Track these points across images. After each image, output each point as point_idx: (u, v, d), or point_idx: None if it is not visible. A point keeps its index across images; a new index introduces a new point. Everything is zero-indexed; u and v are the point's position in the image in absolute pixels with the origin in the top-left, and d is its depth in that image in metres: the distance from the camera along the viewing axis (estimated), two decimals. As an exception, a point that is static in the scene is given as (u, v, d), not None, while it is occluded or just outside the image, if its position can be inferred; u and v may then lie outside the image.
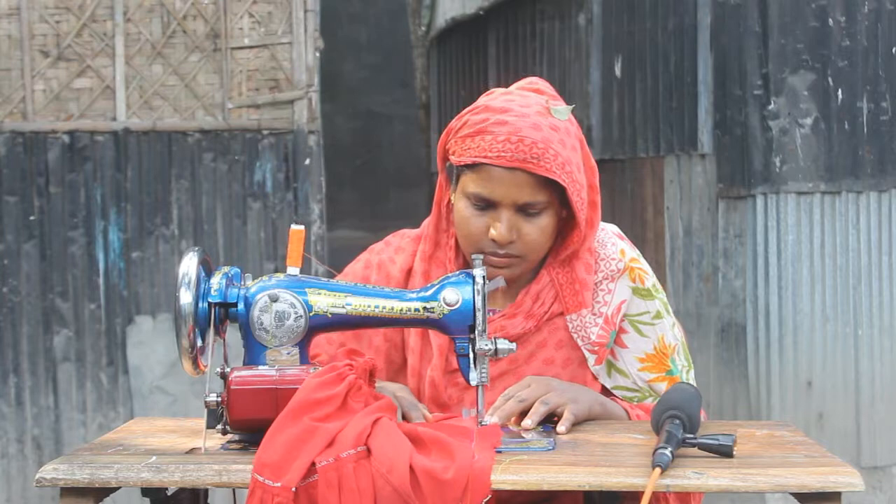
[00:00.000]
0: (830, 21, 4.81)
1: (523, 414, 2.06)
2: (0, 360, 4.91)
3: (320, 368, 1.94)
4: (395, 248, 2.31)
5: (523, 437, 1.97)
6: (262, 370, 1.94)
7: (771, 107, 4.78)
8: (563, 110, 2.16)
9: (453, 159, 2.17)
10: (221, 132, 4.94)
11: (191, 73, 4.92)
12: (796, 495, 1.78)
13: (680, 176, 5.18)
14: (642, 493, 1.72)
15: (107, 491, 1.84)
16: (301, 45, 4.93)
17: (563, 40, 6.18)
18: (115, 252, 4.94)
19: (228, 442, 1.96)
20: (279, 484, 1.76)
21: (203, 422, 1.96)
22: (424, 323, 2.00)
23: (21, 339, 4.92)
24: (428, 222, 2.30)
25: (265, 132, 4.95)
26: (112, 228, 4.93)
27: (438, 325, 2.00)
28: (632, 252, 2.26)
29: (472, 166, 2.13)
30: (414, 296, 2.00)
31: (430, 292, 2.00)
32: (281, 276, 1.99)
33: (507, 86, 2.27)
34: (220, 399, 1.93)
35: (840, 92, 4.83)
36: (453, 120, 2.20)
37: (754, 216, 4.79)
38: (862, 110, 4.86)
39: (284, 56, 4.93)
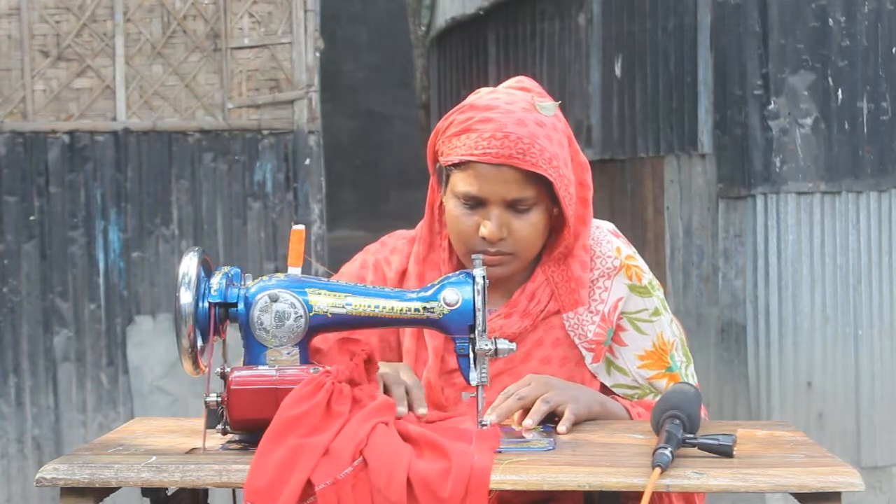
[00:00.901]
0: (830, 21, 4.81)
1: (524, 413, 2.06)
2: (0, 360, 4.91)
3: (320, 368, 1.94)
4: (391, 249, 2.32)
5: (523, 437, 1.97)
6: (262, 370, 1.94)
7: (771, 107, 4.78)
8: (549, 106, 2.17)
9: (442, 160, 2.18)
10: (221, 132, 4.94)
11: (191, 73, 4.92)
12: (796, 495, 1.78)
13: (680, 176, 5.18)
14: (642, 493, 1.72)
15: (107, 491, 1.84)
16: (301, 45, 4.93)
17: (563, 40, 6.18)
18: (115, 252, 4.94)
19: (228, 442, 1.96)
20: None
21: (203, 422, 1.96)
22: (424, 323, 2.00)
23: (21, 339, 4.92)
24: (422, 224, 2.30)
25: (265, 132, 4.95)
26: (112, 228, 4.93)
27: (438, 325, 2.00)
28: (627, 249, 2.26)
29: (460, 165, 2.14)
30: (414, 296, 2.00)
31: (430, 292, 2.00)
32: (281, 276, 1.99)
33: (505, 86, 2.28)
34: (220, 399, 1.93)
35: (840, 92, 4.83)
36: (440, 120, 2.21)
37: (754, 216, 4.79)
38: (862, 110, 4.86)
39: (284, 56, 4.93)
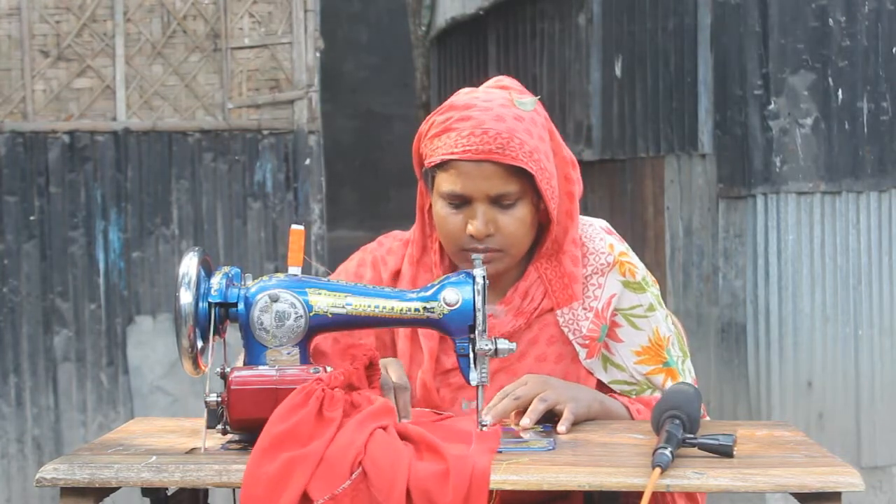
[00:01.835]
0: (830, 21, 4.81)
1: (521, 413, 2.06)
2: (0, 360, 4.91)
3: (320, 369, 1.94)
4: (387, 249, 2.33)
5: (522, 437, 1.97)
6: (262, 370, 1.94)
7: (771, 107, 4.78)
8: (527, 102, 2.17)
9: (426, 162, 2.19)
10: (221, 132, 4.94)
11: (191, 73, 4.92)
12: (796, 495, 1.78)
13: (680, 176, 5.18)
14: (642, 493, 1.72)
15: (107, 491, 1.84)
16: (301, 45, 4.93)
17: (563, 40, 6.18)
18: (115, 252, 4.94)
19: (228, 442, 1.96)
20: None
21: (203, 422, 1.96)
22: (424, 323, 2.00)
23: (21, 339, 4.92)
24: (414, 228, 2.31)
25: (265, 132, 4.95)
26: (112, 228, 4.93)
27: (438, 325, 2.00)
28: (620, 246, 2.27)
29: (442, 165, 2.15)
30: (414, 296, 2.00)
31: (430, 292, 2.00)
32: (281, 276, 1.99)
33: (505, 86, 2.28)
34: (220, 399, 1.93)
35: (840, 92, 4.83)
36: (423, 124, 2.22)
37: (754, 216, 4.79)
38: (862, 110, 4.86)
39: (284, 56, 4.93)
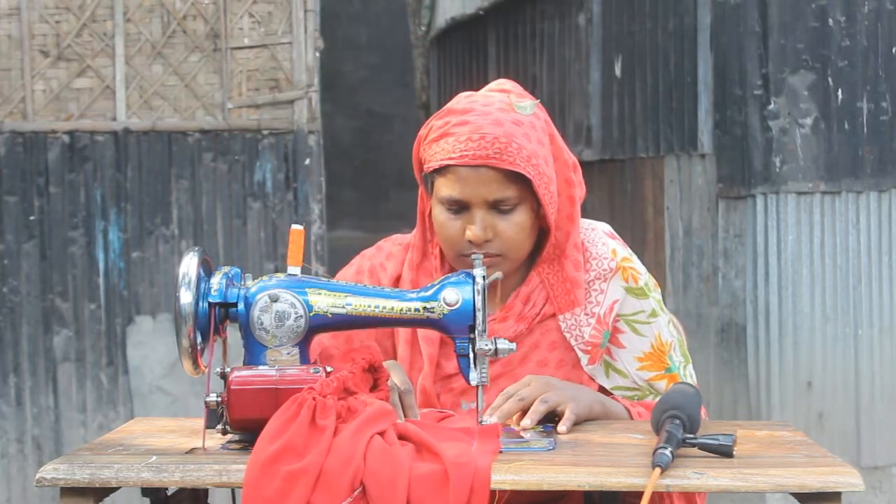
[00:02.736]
0: (830, 21, 4.81)
1: (524, 413, 2.06)
2: (0, 360, 4.91)
3: (321, 369, 1.94)
4: (387, 255, 2.33)
5: (523, 437, 1.97)
6: (262, 370, 1.94)
7: (771, 107, 4.78)
8: (526, 106, 2.16)
9: (425, 167, 2.18)
10: (221, 132, 4.94)
11: (191, 73, 4.92)
12: (796, 495, 1.78)
13: (680, 176, 5.18)
14: (642, 493, 1.72)
15: (107, 491, 1.84)
16: (301, 45, 4.93)
17: (563, 40, 6.18)
18: (115, 252, 4.94)
19: (228, 442, 1.96)
20: None
21: (203, 422, 1.96)
22: (424, 323, 2.00)
23: (21, 339, 4.92)
24: (415, 232, 2.31)
25: (265, 132, 4.95)
26: (112, 228, 4.93)
27: (438, 325, 1.99)
28: (623, 251, 2.26)
29: (441, 170, 2.14)
30: (414, 296, 2.00)
31: (430, 292, 2.00)
32: (281, 276, 1.99)
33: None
34: (220, 399, 1.93)
35: (840, 92, 4.83)
36: (422, 128, 2.21)
37: (754, 216, 4.79)
38: (862, 110, 4.86)
39: (284, 56, 4.93)
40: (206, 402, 1.93)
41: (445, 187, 2.14)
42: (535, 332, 2.22)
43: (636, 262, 2.26)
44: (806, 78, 4.80)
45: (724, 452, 1.83)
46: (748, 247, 4.82)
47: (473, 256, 2.02)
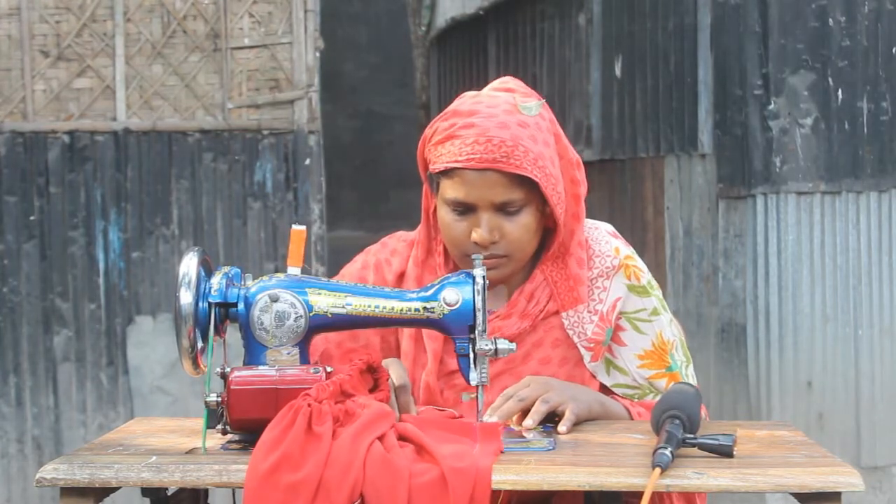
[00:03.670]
0: (830, 21, 4.81)
1: (524, 413, 2.06)
2: (0, 360, 4.91)
3: (321, 369, 1.94)
4: (391, 251, 2.32)
5: (524, 437, 1.97)
6: (262, 370, 1.94)
7: (771, 107, 4.78)
8: (532, 106, 2.16)
9: (430, 168, 2.18)
10: (221, 132, 4.94)
11: (191, 73, 4.92)
12: (796, 495, 1.78)
13: (680, 176, 5.18)
14: (642, 493, 1.72)
15: (107, 491, 1.84)
16: (301, 45, 4.93)
17: (563, 40, 6.18)
18: (115, 252, 4.94)
19: (228, 442, 1.96)
20: None
21: (203, 422, 1.96)
22: (424, 323, 2.00)
23: (21, 339, 4.92)
24: (419, 229, 2.30)
25: (265, 132, 4.95)
26: (112, 228, 4.93)
27: (438, 325, 1.99)
28: (626, 250, 2.26)
29: (447, 172, 2.14)
30: (414, 296, 2.00)
31: (430, 292, 2.00)
32: (281, 276, 1.98)
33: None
34: (220, 399, 1.92)
35: (840, 92, 4.83)
36: (427, 128, 2.21)
37: (754, 216, 4.79)
38: (862, 110, 4.86)
39: (284, 56, 4.93)
40: (206, 402, 1.93)
41: (451, 189, 2.14)
42: (538, 329, 2.22)
43: (638, 261, 2.27)
44: (806, 78, 4.80)
45: (724, 452, 1.83)
46: (748, 247, 4.82)
47: (474, 257, 2.02)
